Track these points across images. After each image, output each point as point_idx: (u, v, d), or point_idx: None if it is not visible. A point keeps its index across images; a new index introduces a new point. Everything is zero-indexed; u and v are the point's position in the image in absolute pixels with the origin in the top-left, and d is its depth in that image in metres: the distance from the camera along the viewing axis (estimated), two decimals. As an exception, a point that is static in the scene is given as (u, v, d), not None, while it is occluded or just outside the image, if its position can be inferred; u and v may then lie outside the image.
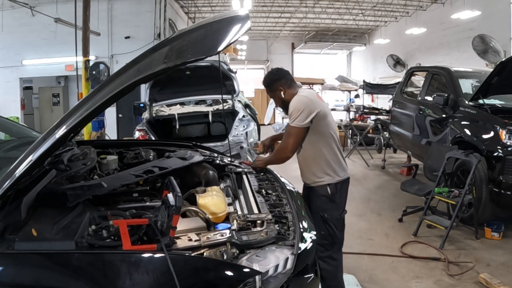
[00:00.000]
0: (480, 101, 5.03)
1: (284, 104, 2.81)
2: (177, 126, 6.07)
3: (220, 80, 5.95)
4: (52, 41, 11.49)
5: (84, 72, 8.04)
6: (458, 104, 5.31)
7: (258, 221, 1.92)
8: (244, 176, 2.70)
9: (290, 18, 18.30)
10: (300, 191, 2.87)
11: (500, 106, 5.32)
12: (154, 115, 6.15)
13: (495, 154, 4.42)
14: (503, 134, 4.39)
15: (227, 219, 2.07)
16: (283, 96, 2.78)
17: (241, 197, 2.45)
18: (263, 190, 2.45)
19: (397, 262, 3.85)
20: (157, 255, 1.59)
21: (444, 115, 5.58)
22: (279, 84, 2.78)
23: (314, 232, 2.07)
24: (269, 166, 3.00)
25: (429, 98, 6.11)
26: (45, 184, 1.97)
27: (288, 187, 2.58)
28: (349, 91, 13.79)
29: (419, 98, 6.57)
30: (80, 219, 1.78)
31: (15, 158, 1.77)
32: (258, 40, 22.79)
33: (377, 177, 7.45)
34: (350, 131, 10.91)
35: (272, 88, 2.81)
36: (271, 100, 12.76)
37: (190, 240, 1.76)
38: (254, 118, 6.48)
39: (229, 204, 2.26)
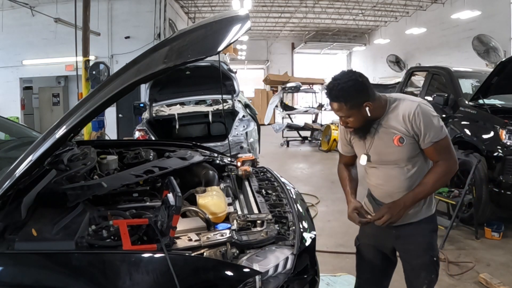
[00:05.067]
0: (480, 101, 5.03)
1: (364, 124, 1.99)
2: (177, 126, 6.08)
3: (220, 80, 5.95)
4: (52, 41, 11.51)
5: (84, 72, 8.05)
6: (458, 104, 5.30)
7: (258, 221, 1.92)
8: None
9: (290, 18, 18.33)
10: (301, 191, 2.84)
11: (500, 106, 5.31)
12: (154, 115, 6.15)
13: (495, 154, 4.42)
14: (503, 134, 4.39)
15: (227, 219, 2.07)
16: (369, 114, 1.94)
17: (241, 197, 2.45)
18: (263, 190, 2.45)
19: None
20: (157, 255, 1.59)
21: (444, 115, 5.57)
22: (366, 97, 1.92)
23: (314, 232, 2.07)
24: (268, 166, 2.99)
25: (429, 98, 6.10)
26: (45, 184, 1.97)
27: (288, 187, 2.57)
28: (349, 91, 13.76)
29: (419, 98, 6.56)
30: (80, 219, 1.78)
31: (15, 158, 1.77)
32: (258, 40, 22.82)
33: (377, 177, 7.43)
34: (350, 131, 10.89)
35: (355, 104, 1.90)
36: (271, 100, 12.76)
37: (190, 240, 1.76)
38: (254, 118, 6.48)
39: (229, 204, 2.25)
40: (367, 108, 1.92)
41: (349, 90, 1.88)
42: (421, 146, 1.97)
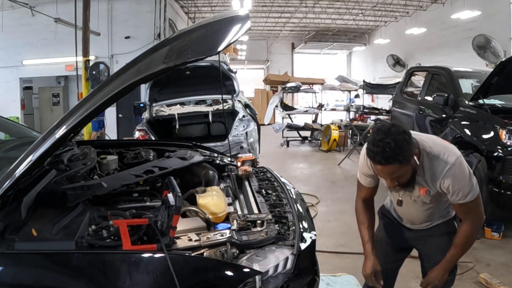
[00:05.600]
0: (480, 101, 5.03)
1: (412, 175, 1.90)
2: (177, 126, 6.08)
3: (220, 80, 5.95)
4: (52, 41, 11.50)
5: (84, 72, 8.05)
6: (458, 104, 5.30)
7: (258, 221, 1.92)
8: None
9: (290, 18, 18.32)
10: (301, 191, 2.84)
11: (500, 106, 5.31)
12: (154, 115, 6.15)
13: (495, 154, 4.42)
14: (503, 134, 4.39)
15: (227, 219, 2.08)
16: (417, 162, 1.85)
17: (241, 197, 2.45)
18: (263, 190, 2.45)
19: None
20: (157, 255, 1.59)
21: (444, 115, 5.58)
22: (413, 145, 1.81)
23: (314, 232, 2.07)
24: (268, 166, 2.99)
25: (429, 98, 6.11)
26: (45, 184, 1.97)
27: (288, 187, 2.57)
28: (349, 91, 13.80)
29: (419, 98, 6.57)
30: (80, 219, 1.78)
31: (15, 158, 1.77)
32: (258, 40, 22.81)
33: (377, 177, 7.43)
34: (350, 131, 10.93)
35: (409, 158, 1.78)
36: (271, 100, 12.77)
37: (190, 240, 1.76)
38: (254, 118, 6.48)
39: (229, 204, 2.26)
40: (415, 157, 1.83)
41: (403, 144, 1.72)
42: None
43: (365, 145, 1.86)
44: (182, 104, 6.53)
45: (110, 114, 11.03)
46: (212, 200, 2.12)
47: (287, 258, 1.73)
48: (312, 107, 13.00)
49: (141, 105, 6.91)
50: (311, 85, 14.70)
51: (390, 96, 10.07)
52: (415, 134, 1.92)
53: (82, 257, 1.59)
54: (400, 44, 16.65)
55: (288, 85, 12.69)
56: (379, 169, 1.82)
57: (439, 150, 1.90)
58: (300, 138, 12.02)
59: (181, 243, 1.73)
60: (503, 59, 5.35)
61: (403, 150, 1.72)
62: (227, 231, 1.82)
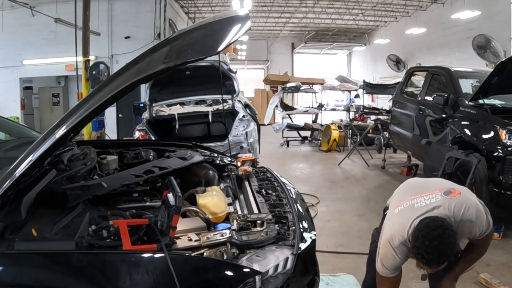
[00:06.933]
0: (480, 101, 5.03)
1: None
2: (177, 126, 6.07)
3: (220, 80, 5.95)
4: (52, 41, 11.49)
5: (84, 72, 8.05)
6: (458, 104, 5.30)
7: (258, 221, 1.92)
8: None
9: (290, 18, 18.32)
10: (300, 191, 2.84)
11: (500, 106, 5.31)
12: (154, 115, 6.15)
13: (495, 154, 4.42)
14: (503, 134, 4.39)
15: (227, 219, 2.08)
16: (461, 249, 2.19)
17: (241, 197, 2.46)
18: (263, 190, 2.45)
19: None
20: (157, 255, 1.59)
21: (444, 115, 5.58)
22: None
23: (314, 232, 2.07)
24: (268, 166, 2.99)
25: (429, 98, 6.11)
26: (45, 184, 1.97)
27: (288, 187, 2.57)
28: (349, 91, 13.79)
29: (419, 98, 6.57)
30: (80, 219, 1.78)
31: (15, 158, 1.77)
32: (258, 40, 22.81)
33: (377, 177, 7.44)
34: (350, 131, 10.92)
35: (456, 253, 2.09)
36: (271, 100, 12.79)
37: (190, 240, 1.76)
38: (254, 118, 6.48)
39: (229, 204, 2.26)
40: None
41: (454, 245, 1.87)
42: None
43: (412, 249, 1.90)
44: (182, 104, 6.52)
45: (110, 114, 11.03)
46: (212, 200, 2.12)
47: (287, 258, 1.73)
48: (312, 107, 13.00)
49: (141, 105, 6.91)
50: (311, 85, 14.70)
51: (390, 96, 10.07)
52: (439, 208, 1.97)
53: (82, 257, 1.59)
54: (400, 44, 16.66)
55: (288, 85, 12.68)
56: (429, 269, 1.94)
57: (460, 213, 1.98)
58: (300, 138, 12.02)
59: (181, 243, 1.73)
60: (503, 59, 5.35)
61: (454, 250, 1.89)
62: (227, 231, 1.82)
